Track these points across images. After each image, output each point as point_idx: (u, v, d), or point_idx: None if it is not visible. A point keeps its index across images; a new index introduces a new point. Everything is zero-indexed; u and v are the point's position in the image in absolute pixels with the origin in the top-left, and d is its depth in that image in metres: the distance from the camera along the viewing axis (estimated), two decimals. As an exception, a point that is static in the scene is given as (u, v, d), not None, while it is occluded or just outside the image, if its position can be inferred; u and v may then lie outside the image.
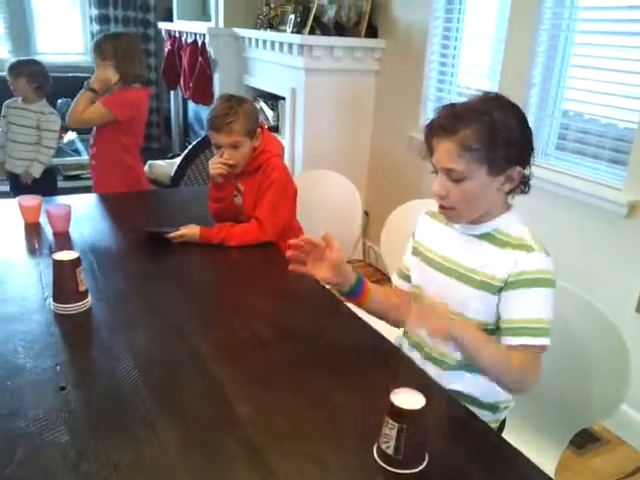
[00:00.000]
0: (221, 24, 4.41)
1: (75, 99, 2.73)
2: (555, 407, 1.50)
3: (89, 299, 1.56)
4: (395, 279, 1.54)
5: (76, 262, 1.51)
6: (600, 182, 2.40)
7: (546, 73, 2.63)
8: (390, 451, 1.01)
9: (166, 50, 5.35)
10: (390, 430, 1.00)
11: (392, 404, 0.99)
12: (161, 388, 1.25)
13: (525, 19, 2.63)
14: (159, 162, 3.72)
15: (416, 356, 1.44)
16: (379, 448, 1.04)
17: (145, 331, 1.48)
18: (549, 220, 2.56)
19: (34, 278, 1.72)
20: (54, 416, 1.13)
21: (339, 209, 2.49)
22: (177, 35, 5.13)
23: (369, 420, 1.11)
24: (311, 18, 3.57)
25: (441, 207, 1.28)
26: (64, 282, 1.50)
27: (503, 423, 1.45)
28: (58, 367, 1.29)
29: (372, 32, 3.60)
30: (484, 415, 1.29)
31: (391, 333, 1.55)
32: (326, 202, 2.54)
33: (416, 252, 1.45)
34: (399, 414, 0.98)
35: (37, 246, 1.99)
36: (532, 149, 1.24)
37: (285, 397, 1.23)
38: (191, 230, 2.01)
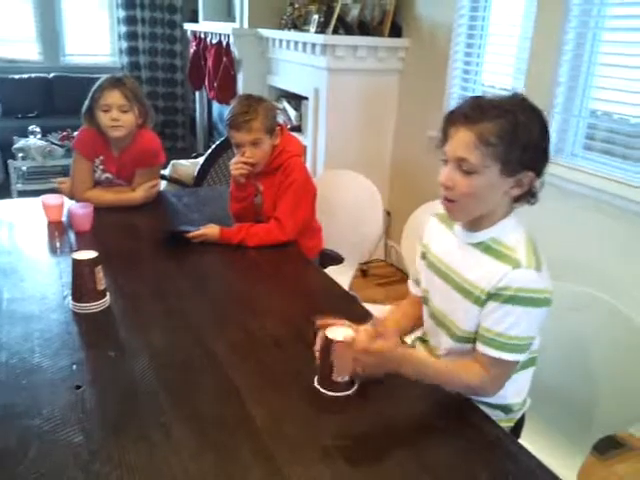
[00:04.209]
0: (245, 25, 4.42)
1: None
2: (578, 412, 1.46)
3: (107, 298, 1.56)
4: (411, 285, 1.51)
5: (95, 261, 1.52)
6: (629, 183, 2.33)
7: (573, 72, 2.57)
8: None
9: (191, 51, 5.39)
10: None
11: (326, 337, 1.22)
12: (176, 389, 1.24)
13: (552, 17, 2.57)
14: (182, 162, 3.73)
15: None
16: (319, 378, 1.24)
17: (162, 331, 1.48)
18: (575, 221, 2.50)
19: (54, 277, 1.74)
20: (68, 415, 1.13)
21: (360, 209, 2.47)
22: (202, 36, 5.16)
23: (382, 424, 1.09)
24: (335, 18, 3.55)
25: (444, 198, 1.25)
26: (82, 281, 1.51)
27: (520, 423, 1.41)
28: (74, 366, 1.29)
29: (396, 31, 3.56)
30: (495, 415, 1.27)
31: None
32: (347, 202, 2.52)
33: (424, 256, 1.43)
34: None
35: (58, 245, 2.01)
36: (547, 159, 1.21)
37: (299, 400, 1.22)
38: (211, 230, 2.01)
